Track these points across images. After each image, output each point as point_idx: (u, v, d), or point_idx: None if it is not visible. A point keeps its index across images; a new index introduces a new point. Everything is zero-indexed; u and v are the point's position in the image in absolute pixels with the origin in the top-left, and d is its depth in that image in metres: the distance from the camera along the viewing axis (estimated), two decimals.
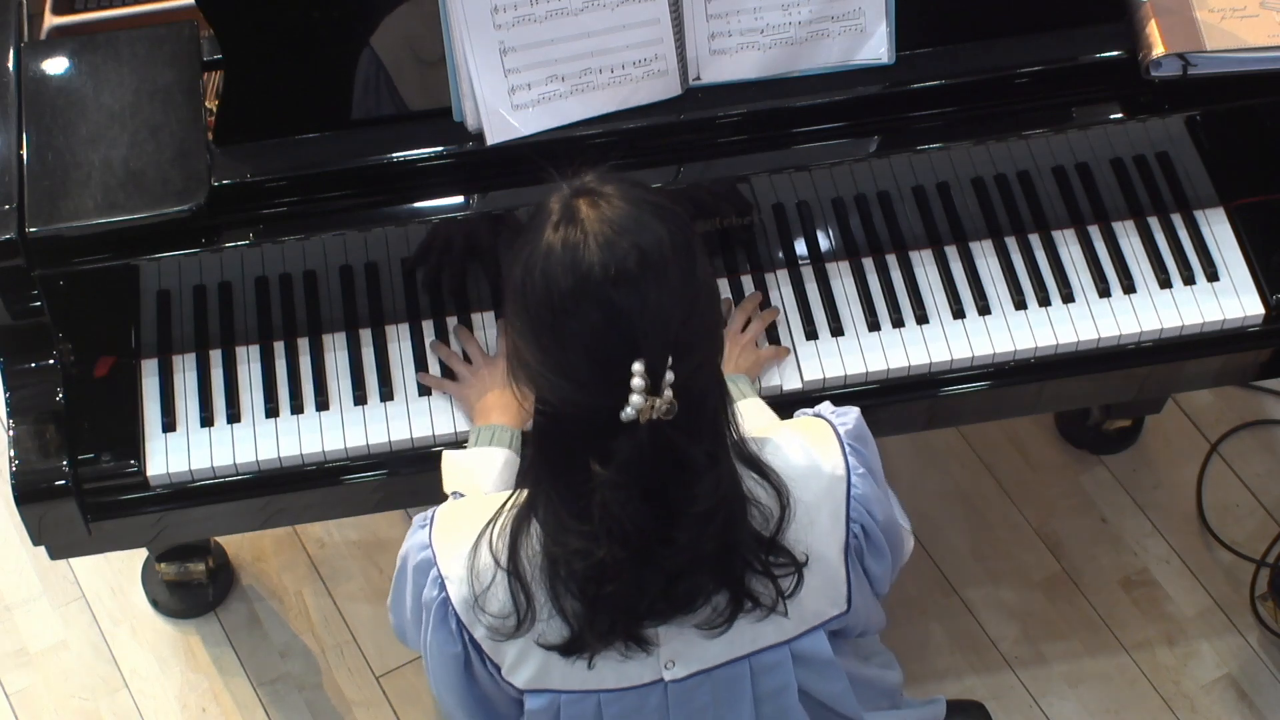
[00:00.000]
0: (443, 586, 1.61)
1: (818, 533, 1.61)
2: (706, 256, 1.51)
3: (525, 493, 1.56)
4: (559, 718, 1.68)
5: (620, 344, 1.42)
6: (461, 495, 1.83)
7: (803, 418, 1.72)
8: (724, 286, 2.17)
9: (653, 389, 1.42)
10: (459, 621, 1.62)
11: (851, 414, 1.70)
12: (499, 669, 1.64)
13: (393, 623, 1.78)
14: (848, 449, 1.65)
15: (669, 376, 1.43)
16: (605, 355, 1.43)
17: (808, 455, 1.63)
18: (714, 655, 1.64)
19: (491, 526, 1.58)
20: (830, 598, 1.66)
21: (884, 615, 1.79)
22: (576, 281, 1.42)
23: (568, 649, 1.58)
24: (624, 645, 1.58)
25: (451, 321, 2.14)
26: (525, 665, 1.62)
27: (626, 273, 1.41)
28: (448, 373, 2.11)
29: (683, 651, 1.63)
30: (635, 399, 1.42)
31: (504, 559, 1.55)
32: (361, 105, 2.03)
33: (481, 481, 1.89)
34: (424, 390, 2.10)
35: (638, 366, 1.42)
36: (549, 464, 1.53)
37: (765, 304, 2.14)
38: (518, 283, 1.46)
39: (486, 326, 2.14)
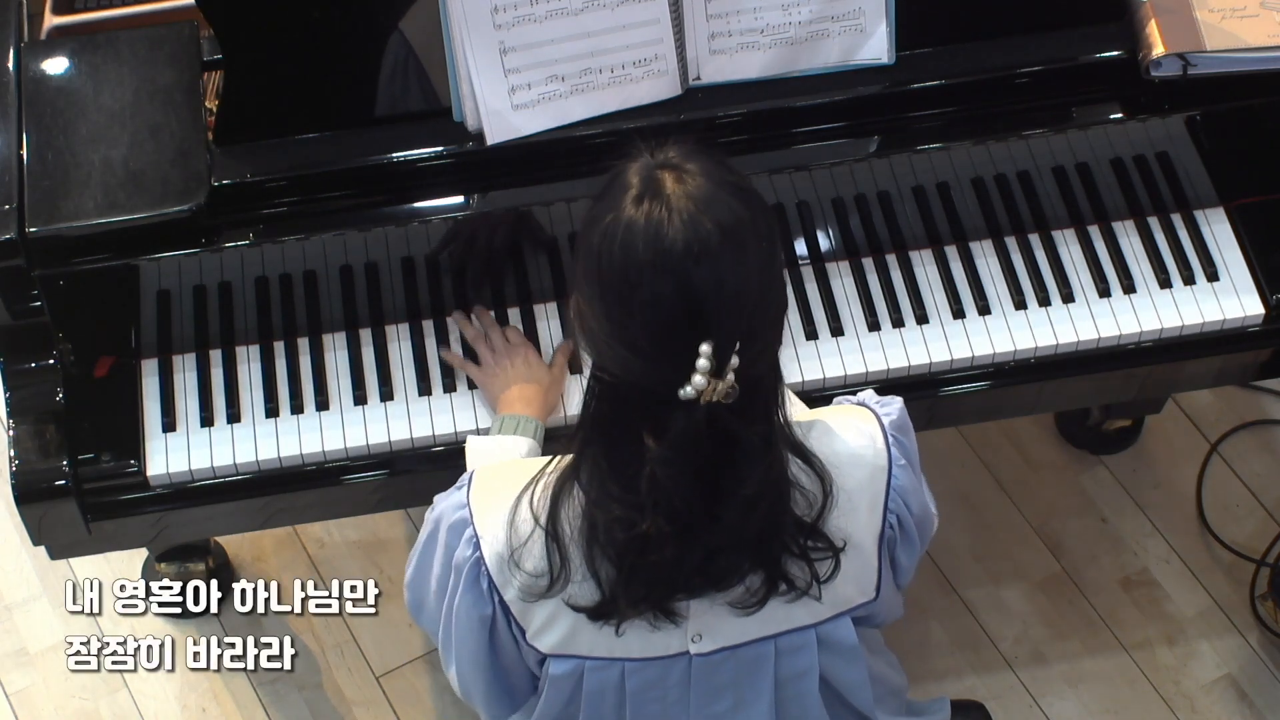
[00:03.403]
0: (477, 545, 1.61)
1: (855, 519, 1.62)
2: (782, 246, 1.51)
3: (569, 457, 1.56)
4: (581, 685, 1.68)
5: (691, 322, 1.41)
6: None
7: (847, 404, 1.72)
8: None
9: (716, 371, 1.42)
10: (490, 582, 1.62)
11: (895, 404, 1.70)
12: (524, 632, 1.65)
13: (408, 599, 1.77)
14: (891, 439, 1.65)
15: (734, 361, 1.42)
16: (674, 332, 1.42)
17: (852, 443, 1.63)
18: (741, 633, 1.65)
19: (534, 486, 1.57)
20: (860, 585, 1.67)
21: (902, 606, 1.80)
22: (657, 255, 1.40)
23: (597, 613, 1.58)
24: (654, 615, 1.59)
25: (452, 321, 2.14)
26: (553, 629, 1.63)
27: (709, 251, 1.40)
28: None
29: (711, 626, 1.63)
30: (698, 379, 1.42)
31: (544, 518, 1.56)
32: (362, 105, 2.03)
33: None
34: (424, 390, 2.10)
35: (705, 348, 1.41)
36: (600, 429, 1.52)
37: None
38: (593, 250, 1.44)
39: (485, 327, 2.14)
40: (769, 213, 1.48)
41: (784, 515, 1.55)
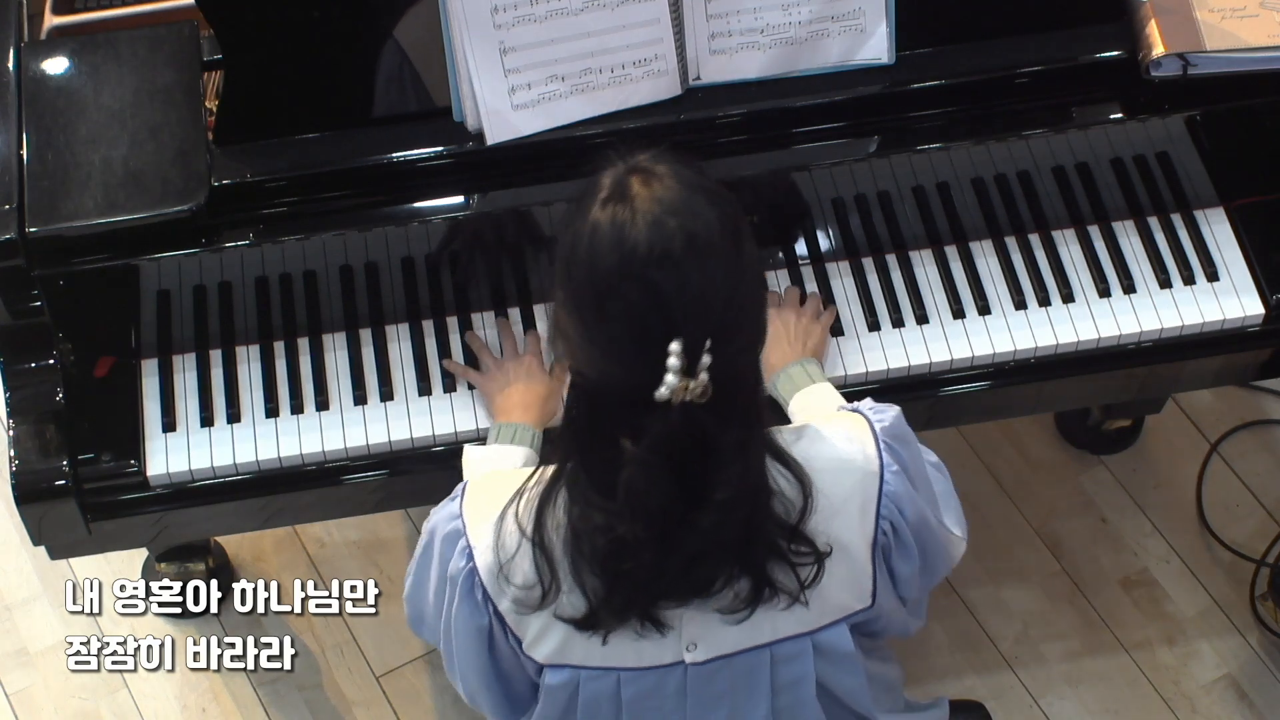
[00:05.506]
0: (470, 556, 1.62)
1: (844, 524, 1.61)
2: (755, 244, 1.51)
3: (553, 466, 1.57)
4: (577, 694, 1.68)
5: (659, 323, 1.42)
6: None
7: (841, 412, 1.73)
8: None
9: (688, 370, 1.42)
10: (485, 593, 1.62)
11: (890, 412, 1.70)
12: (520, 642, 1.65)
13: (408, 612, 1.78)
14: (883, 445, 1.65)
15: (705, 360, 1.42)
16: (644, 333, 1.43)
17: (842, 448, 1.63)
18: (736, 641, 1.65)
19: (518, 498, 1.58)
20: (855, 592, 1.66)
21: (914, 621, 1.79)
22: (621, 260, 1.42)
23: (583, 624, 1.59)
24: (639, 624, 1.59)
25: (452, 321, 2.14)
26: (547, 639, 1.63)
27: (671, 254, 1.41)
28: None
29: (705, 635, 1.64)
30: (670, 379, 1.42)
31: (529, 529, 1.56)
32: (361, 105, 2.03)
33: None
34: (424, 390, 2.10)
35: (674, 346, 1.41)
36: (579, 437, 1.53)
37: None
38: (564, 254, 1.46)
39: (486, 326, 2.14)
40: (738, 215, 1.49)
41: (764, 520, 1.55)
